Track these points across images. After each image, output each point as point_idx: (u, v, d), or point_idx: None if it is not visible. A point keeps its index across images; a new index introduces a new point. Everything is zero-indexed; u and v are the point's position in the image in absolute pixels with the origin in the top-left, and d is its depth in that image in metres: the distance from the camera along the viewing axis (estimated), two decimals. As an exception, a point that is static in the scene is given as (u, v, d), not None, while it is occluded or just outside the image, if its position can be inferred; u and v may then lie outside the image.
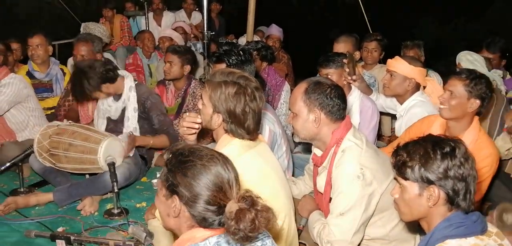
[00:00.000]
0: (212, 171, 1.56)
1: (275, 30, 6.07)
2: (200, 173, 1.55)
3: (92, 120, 4.04)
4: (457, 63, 3.90)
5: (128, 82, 3.71)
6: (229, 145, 2.25)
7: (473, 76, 2.77)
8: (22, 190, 3.55)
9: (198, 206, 1.54)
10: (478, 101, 2.76)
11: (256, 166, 2.25)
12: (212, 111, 2.26)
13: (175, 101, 4.35)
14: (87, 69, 3.52)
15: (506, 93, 4.15)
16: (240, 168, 2.15)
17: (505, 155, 3.30)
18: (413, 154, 1.73)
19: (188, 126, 2.42)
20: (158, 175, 3.59)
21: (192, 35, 6.77)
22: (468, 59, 3.79)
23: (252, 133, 2.28)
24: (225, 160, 1.63)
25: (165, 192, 1.61)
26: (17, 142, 3.93)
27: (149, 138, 3.68)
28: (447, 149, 1.69)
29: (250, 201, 1.49)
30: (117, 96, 3.72)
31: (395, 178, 1.83)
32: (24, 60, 4.98)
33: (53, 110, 4.47)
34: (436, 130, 2.95)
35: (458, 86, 2.78)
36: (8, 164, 3.43)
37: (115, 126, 3.73)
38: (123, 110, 3.70)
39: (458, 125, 2.84)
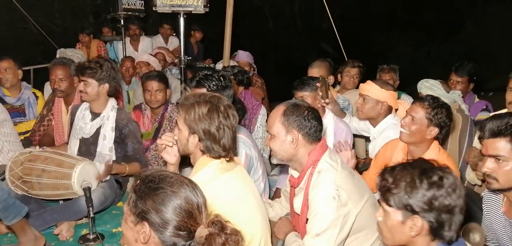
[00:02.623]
0: (182, 197, 1.57)
1: (243, 56, 6.12)
2: (171, 199, 1.56)
3: (66, 142, 4.00)
4: (418, 92, 4.03)
5: (111, 101, 3.73)
6: (205, 167, 2.27)
7: (435, 105, 2.89)
8: (-6, 217, 3.48)
9: (168, 232, 1.55)
10: (437, 129, 2.88)
11: (232, 188, 2.27)
12: (188, 134, 2.30)
13: (152, 126, 4.34)
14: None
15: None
16: (217, 190, 2.19)
17: (478, 185, 3.40)
18: (399, 181, 1.68)
19: (163, 143, 2.44)
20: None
21: (171, 61, 6.78)
22: (426, 86, 3.92)
23: (228, 150, 2.31)
24: (193, 186, 1.64)
25: (134, 218, 1.61)
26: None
27: (125, 166, 3.65)
28: (435, 178, 1.64)
29: (220, 225, 1.51)
30: (94, 115, 3.70)
31: (378, 201, 1.80)
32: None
33: (26, 135, 4.42)
34: (399, 153, 3.07)
35: (420, 113, 2.90)
36: (-22, 191, 3.37)
37: (87, 148, 3.70)
38: (98, 130, 3.67)
39: (418, 149, 2.95)
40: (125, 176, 3.74)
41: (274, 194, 3.62)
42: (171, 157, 2.46)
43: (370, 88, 3.49)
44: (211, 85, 3.10)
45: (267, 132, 2.52)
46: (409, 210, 1.66)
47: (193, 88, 3.16)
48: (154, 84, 4.22)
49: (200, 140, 2.28)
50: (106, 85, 3.65)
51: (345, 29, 6.73)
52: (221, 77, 3.15)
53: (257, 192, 2.50)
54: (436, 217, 1.63)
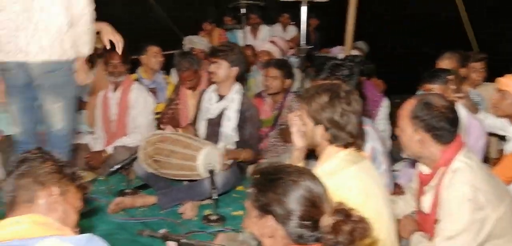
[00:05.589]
0: (302, 186, 1.56)
1: (335, 50, 6.01)
2: (292, 189, 1.55)
3: (190, 123, 4.24)
4: None
5: (237, 85, 3.89)
6: (332, 158, 2.25)
7: None
8: (128, 191, 3.80)
9: (293, 222, 1.55)
10: None
11: (360, 181, 2.21)
12: (313, 125, 2.29)
13: (272, 114, 4.47)
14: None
15: None
16: (343, 181, 2.16)
17: None
18: None
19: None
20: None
21: (289, 49, 6.83)
22: None
23: (356, 137, 2.28)
24: (313, 176, 1.63)
25: (257, 213, 1.61)
26: (127, 146, 4.25)
27: (240, 151, 3.80)
28: None
29: (344, 213, 1.48)
30: (220, 97, 3.88)
31: None
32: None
33: (157, 116, 4.76)
34: None
35: None
36: (117, 166, 3.72)
37: (213, 128, 3.88)
38: (223, 111, 3.84)
39: None
40: (240, 161, 3.86)
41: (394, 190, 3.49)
42: (299, 140, 2.45)
43: (511, 83, 3.21)
44: (343, 74, 3.02)
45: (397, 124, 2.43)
46: None
47: (325, 77, 3.10)
48: (270, 71, 4.39)
49: (326, 129, 2.26)
50: (236, 69, 3.79)
51: (474, 18, 6.24)
52: (350, 65, 3.07)
53: (384, 188, 2.41)
54: None
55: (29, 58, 3.01)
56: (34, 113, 3.28)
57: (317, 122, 2.27)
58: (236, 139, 3.83)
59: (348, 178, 2.19)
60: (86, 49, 3.18)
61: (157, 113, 4.77)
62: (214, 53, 3.84)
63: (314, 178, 1.63)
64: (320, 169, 2.23)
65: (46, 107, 3.19)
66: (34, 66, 3.03)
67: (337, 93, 2.23)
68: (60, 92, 3.16)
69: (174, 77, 5.31)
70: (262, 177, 1.64)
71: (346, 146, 2.28)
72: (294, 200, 1.55)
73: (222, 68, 3.76)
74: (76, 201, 1.77)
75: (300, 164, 2.51)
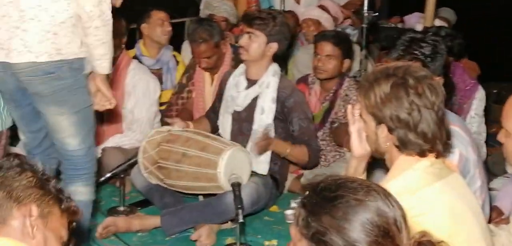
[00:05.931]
0: (371, 209, 1.54)
1: (411, 20, 5.98)
2: (356, 212, 1.54)
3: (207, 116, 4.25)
4: None
5: (274, 65, 3.87)
6: (408, 171, 2.21)
7: None
8: (122, 209, 3.83)
9: None
10: None
11: (448, 203, 2.18)
12: (375, 125, 2.26)
13: (321, 106, 4.43)
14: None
15: None
16: (422, 203, 2.13)
17: None
18: None
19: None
20: (292, 204, 3.67)
21: (344, 17, 6.80)
22: None
23: (432, 140, 2.21)
24: (386, 194, 1.60)
25: (307, 243, 1.59)
26: (121, 148, 4.27)
27: (286, 144, 3.78)
28: None
29: None
30: (251, 82, 3.86)
31: None
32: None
33: (162, 107, 4.80)
34: None
35: None
36: (108, 175, 3.77)
37: (239, 125, 3.89)
38: (254, 101, 3.82)
39: None
40: (283, 167, 3.85)
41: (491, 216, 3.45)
42: (360, 144, 2.43)
43: None
44: (425, 53, 2.97)
45: (501, 125, 2.39)
46: None
47: (392, 58, 3.06)
48: (322, 47, 4.34)
49: (389, 130, 2.23)
50: (275, 45, 3.77)
51: None
52: (436, 41, 3.02)
53: (481, 213, 2.39)
54: None
55: (13, 58, 2.82)
56: (38, 122, 3.17)
57: (379, 120, 2.24)
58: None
59: (429, 199, 2.15)
60: (105, 64, 3.01)
61: (162, 103, 4.82)
62: (249, 20, 3.82)
63: (387, 196, 1.59)
64: (390, 185, 2.21)
65: (51, 121, 3.04)
66: (19, 69, 2.84)
67: (404, 80, 2.16)
68: (63, 101, 2.96)
69: (186, 54, 5.33)
70: (315, 194, 1.61)
71: (420, 153, 2.24)
72: (359, 227, 1.53)
73: (257, 43, 3.73)
74: (61, 228, 1.77)
75: (360, 177, 2.49)
